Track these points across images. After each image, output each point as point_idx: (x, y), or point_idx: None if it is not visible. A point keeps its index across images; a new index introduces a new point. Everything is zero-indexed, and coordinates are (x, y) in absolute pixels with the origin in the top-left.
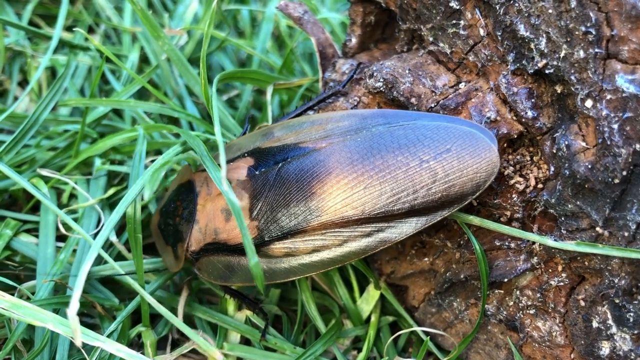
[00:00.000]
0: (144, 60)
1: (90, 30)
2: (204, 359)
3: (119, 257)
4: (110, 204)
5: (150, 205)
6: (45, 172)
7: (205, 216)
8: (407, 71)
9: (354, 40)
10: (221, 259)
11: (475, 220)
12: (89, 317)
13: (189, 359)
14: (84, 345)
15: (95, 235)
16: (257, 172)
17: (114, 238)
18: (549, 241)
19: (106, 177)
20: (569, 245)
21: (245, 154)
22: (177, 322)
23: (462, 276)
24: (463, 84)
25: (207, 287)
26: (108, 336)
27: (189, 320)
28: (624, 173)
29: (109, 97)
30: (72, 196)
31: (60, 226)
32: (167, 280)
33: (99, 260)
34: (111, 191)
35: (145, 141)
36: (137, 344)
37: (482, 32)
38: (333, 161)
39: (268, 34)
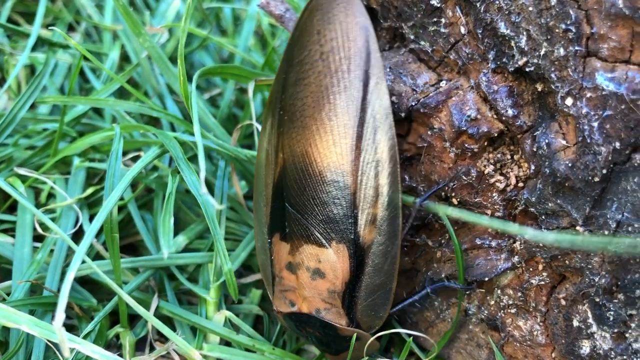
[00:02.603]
0: (124, 58)
1: (71, 28)
2: None
3: (97, 257)
4: (88, 203)
5: (129, 205)
6: (22, 171)
7: (310, 301)
8: (387, 69)
9: None
10: (364, 293)
11: (455, 212)
12: (67, 318)
13: None
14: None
15: (72, 236)
16: (287, 230)
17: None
18: (529, 231)
19: (85, 177)
20: (549, 237)
21: (269, 240)
22: (155, 321)
23: (443, 275)
24: (444, 82)
25: (187, 288)
26: (85, 337)
27: (169, 321)
28: (604, 171)
29: (89, 95)
30: (51, 195)
31: (37, 226)
32: (146, 281)
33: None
34: (90, 190)
35: (122, 140)
36: (115, 345)
37: (462, 30)
38: (296, 149)
39: (250, 32)
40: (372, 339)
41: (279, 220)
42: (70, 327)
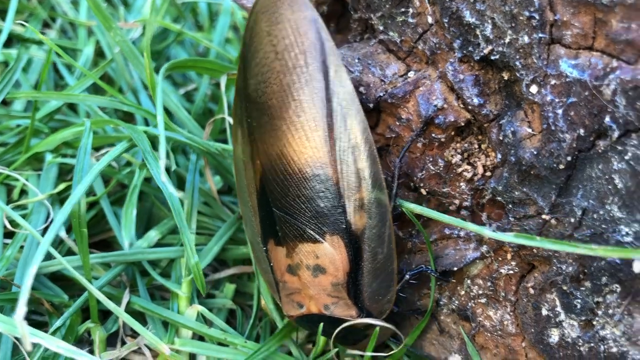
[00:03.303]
0: (100, 54)
1: (47, 25)
2: (156, 355)
3: (69, 253)
4: (61, 199)
5: (101, 201)
6: None
7: (317, 299)
8: (356, 60)
9: None
10: (367, 279)
11: (417, 209)
12: (39, 315)
13: (141, 355)
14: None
15: (43, 232)
16: (280, 234)
17: (63, 234)
18: (486, 231)
19: (57, 173)
20: (508, 237)
21: (264, 248)
22: (125, 316)
23: (414, 266)
24: (412, 72)
25: (159, 283)
26: (53, 333)
27: (141, 317)
28: (569, 158)
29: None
30: (24, 192)
31: (7, 223)
32: (117, 276)
33: (48, 256)
34: (61, 186)
35: (92, 135)
36: (87, 341)
37: (430, 19)
38: (271, 153)
39: (225, 26)
40: (381, 324)
41: (269, 226)
42: (41, 324)
